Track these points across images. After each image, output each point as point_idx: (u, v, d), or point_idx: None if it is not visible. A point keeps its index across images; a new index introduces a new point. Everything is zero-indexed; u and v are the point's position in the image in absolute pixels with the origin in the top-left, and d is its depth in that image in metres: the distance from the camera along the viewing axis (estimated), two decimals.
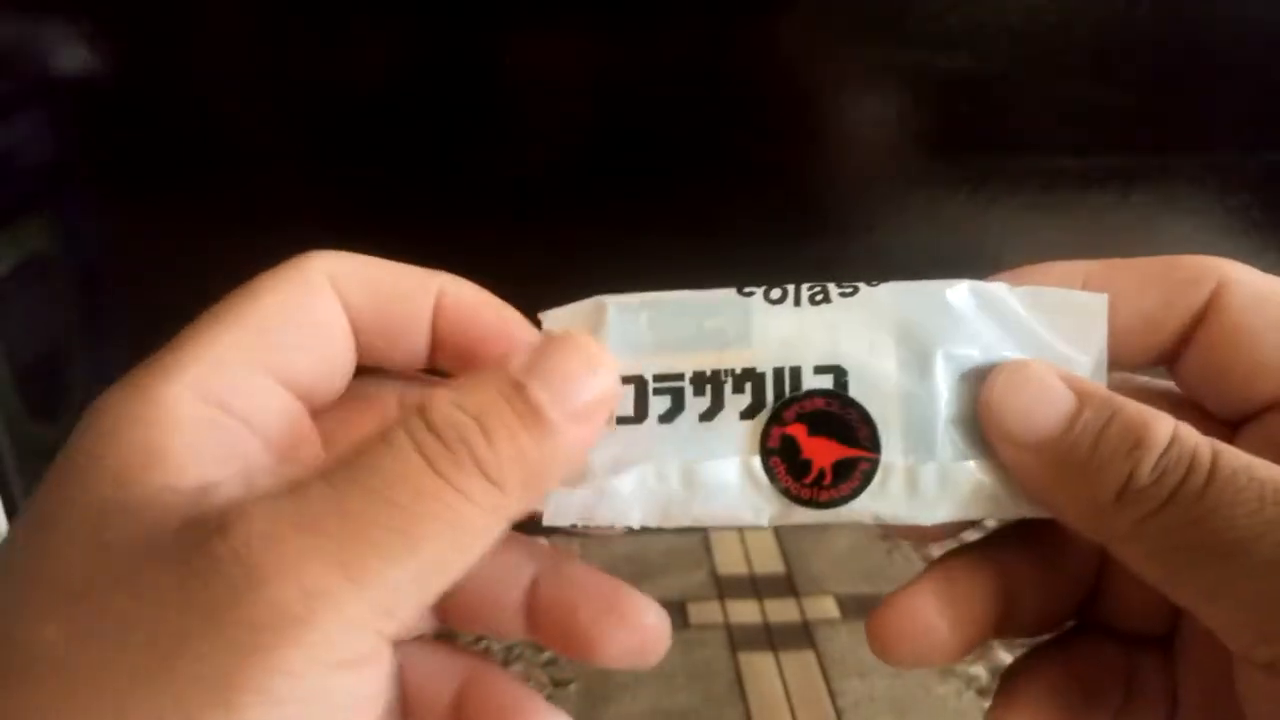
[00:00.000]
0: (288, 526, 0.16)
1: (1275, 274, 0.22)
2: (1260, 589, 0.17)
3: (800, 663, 0.41)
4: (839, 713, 0.39)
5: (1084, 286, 0.22)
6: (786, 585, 0.46)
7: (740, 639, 0.43)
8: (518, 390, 0.18)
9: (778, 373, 0.21)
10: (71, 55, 0.43)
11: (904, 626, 0.21)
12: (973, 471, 0.21)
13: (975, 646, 0.22)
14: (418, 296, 0.22)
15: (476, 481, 0.17)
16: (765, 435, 0.21)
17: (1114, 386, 0.22)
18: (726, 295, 0.22)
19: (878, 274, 0.22)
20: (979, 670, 0.42)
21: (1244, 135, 0.46)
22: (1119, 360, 0.22)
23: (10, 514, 0.45)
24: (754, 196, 0.47)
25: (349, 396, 0.22)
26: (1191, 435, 0.19)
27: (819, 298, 0.22)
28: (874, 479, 0.21)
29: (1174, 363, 0.22)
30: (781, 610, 0.44)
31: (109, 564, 0.17)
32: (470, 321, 0.22)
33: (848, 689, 0.40)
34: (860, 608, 0.44)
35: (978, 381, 0.21)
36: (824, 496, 0.21)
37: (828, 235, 0.47)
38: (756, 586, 0.46)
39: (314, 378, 0.21)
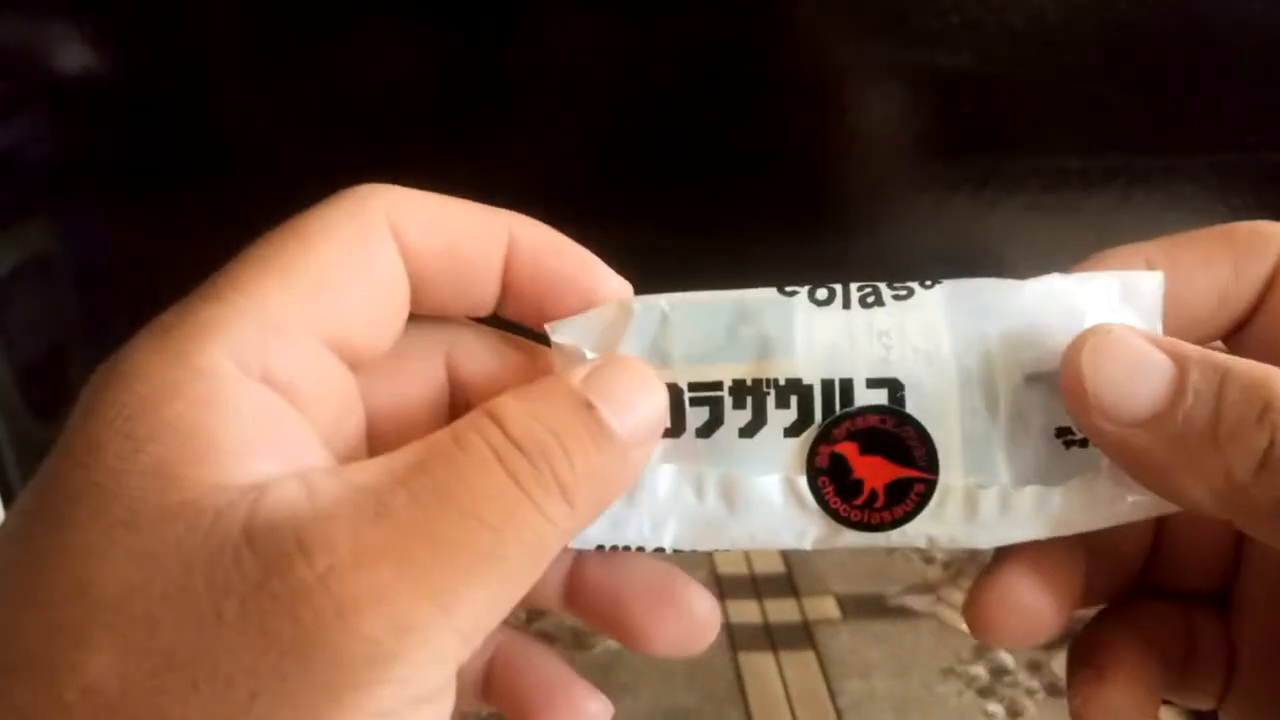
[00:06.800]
0: (375, 551, 0.15)
1: None
2: None
3: (800, 663, 0.41)
4: (839, 713, 0.39)
5: (1147, 268, 0.20)
6: (787, 585, 0.46)
7: (740, 639, 0.43)
8: (588, 408, 0.17)
9: (826, 385, 0.19)
10: (72, 55, 0.43)
11: (1005, 608, 0.20)
12: (1040, 494, 0.19)
13: (1070, 618, 0.21)
14: (488, 240, 0.20)
15: (556, 501, 0.16)
16: (812, 454, 0.19)
17: None
18: (766, 295, 0.20)
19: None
20: (979, 670, 0.42)
21: (1246, 135, 0.46)
22: (1192, 337, 0.20)
23: None
24: (755, 196, 0.47)
25: (390, 352, 0.20)
26: None
27: (870, 300, 0.20)
28: (930, 501, 0.19)
29: (1232, 335, 0.21)
30: (782, 610, 0.44)
31: (158, 580, 0.15)
32: (547, 269, 0.20)
33: (848, 689, 0.40)
34: (860, 608, 0.44)
35: (1048, 393, 0.19)
36: (875, 519, 0.19)
37: (829, 235, 0.47)
38: (757, 586, 0.46)
39: (366, 340, 0.19)
